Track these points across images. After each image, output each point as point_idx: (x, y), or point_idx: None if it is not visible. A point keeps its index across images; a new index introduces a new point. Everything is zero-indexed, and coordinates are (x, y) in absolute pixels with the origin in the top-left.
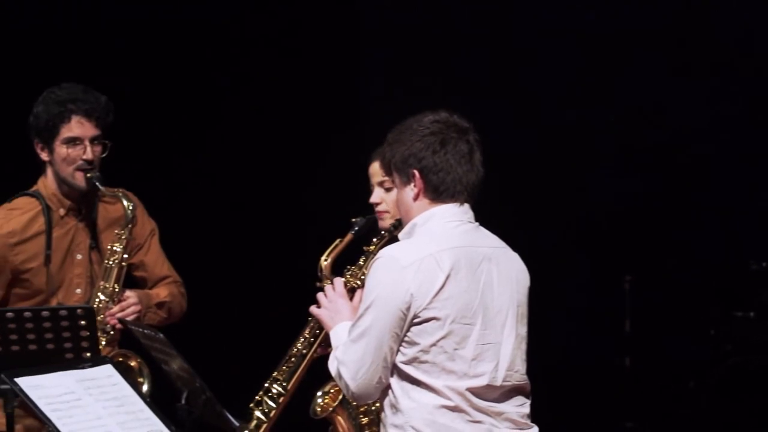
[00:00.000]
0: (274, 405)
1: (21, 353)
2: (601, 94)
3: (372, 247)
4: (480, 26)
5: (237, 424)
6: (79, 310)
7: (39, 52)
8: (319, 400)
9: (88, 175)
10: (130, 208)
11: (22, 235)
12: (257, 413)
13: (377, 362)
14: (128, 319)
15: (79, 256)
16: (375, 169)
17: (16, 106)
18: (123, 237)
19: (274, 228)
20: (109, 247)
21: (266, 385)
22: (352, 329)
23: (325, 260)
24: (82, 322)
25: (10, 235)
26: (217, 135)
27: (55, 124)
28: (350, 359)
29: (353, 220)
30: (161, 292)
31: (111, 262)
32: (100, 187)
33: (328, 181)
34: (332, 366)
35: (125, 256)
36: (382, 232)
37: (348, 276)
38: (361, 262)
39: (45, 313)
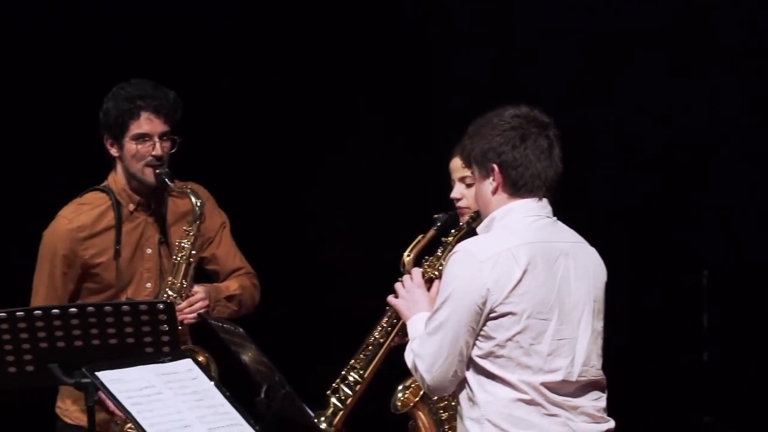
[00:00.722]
0: (350, 393)
1: (101, 347)
2: (601, 94)
3: (450, 239)
4: (480, 26)
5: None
6: (159, 305)
7: (39, 52)
8: (400, 395)
9: (157, 171)
10: (198, 204)
11: (92, 230)
12: (333, 400)
13: (453, 355)
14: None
15: (148, 251)
16: (456, 164)
17: (19, 105)
18: (191, 233)
19: (274, 228)
20: (177, 242)
21: (343, 372)
22: (428, 322)
23: (408, 255)
24: (162, 317)
25: (79, 230)
26: (217, 135)
27: (124, 120)
28: (426, 352)
29: (435, 216)
30: (231, 285)
31: (179, 258)
32: (169, 183)
33: (328, 181)
34: (408, 358)
35: (193, 252)
36: (461, 225)
37: (426, 266)
38: (439, 253)
39: (125, 308)
